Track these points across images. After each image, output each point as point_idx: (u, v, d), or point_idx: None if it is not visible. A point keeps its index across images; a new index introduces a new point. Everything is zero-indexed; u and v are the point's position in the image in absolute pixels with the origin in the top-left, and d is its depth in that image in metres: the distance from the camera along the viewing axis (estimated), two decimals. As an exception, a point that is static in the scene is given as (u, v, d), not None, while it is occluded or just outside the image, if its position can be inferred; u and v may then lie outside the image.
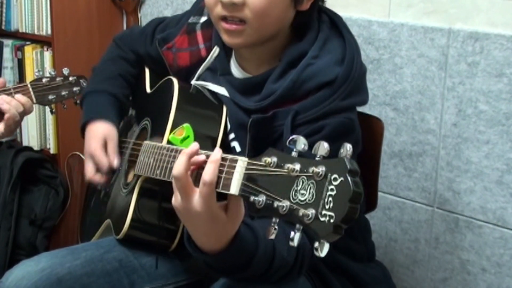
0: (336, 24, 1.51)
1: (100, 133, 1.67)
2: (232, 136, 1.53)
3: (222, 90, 1.54)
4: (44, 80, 1.93)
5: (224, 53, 1.56)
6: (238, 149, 1.50)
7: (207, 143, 1.49)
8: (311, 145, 1.37)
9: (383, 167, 2.11)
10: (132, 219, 1.52)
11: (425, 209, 2.10)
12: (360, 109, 1.53)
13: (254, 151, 1.43)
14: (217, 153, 1.14)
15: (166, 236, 1.55)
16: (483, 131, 1.93)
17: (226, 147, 1.51)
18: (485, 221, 1.97)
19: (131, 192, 1.54)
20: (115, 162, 1.65)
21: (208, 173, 1.12)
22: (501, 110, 1.89)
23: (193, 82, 1.59)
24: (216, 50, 1.56)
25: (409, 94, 2.07)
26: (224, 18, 1.41)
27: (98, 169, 1.66)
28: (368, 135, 1.61)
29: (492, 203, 1.95)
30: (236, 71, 1.56)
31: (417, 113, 2.06)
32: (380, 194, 2.02)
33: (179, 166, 1.14)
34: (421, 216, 2.12)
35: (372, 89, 2.12)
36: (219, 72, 1.55)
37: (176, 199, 1.17)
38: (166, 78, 1.63)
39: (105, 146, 1.66)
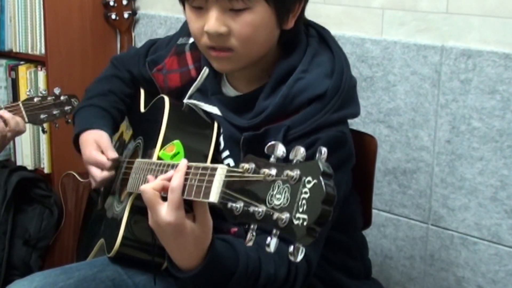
0: (324, 38, 1.51)
1: (91, 139, 1.67)
2: (226, 153, 1.53)
3: (214, 110, 1.54)
4: (35, 99, 1.93)
5: (213, 73, 1.56)
6: (232, 165, 1.50)
7: (198, 159, 1.49)
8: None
9: (377, 185, 2.11)
10: (124, 237, 1.51)
11: (419, 226, 2.10)
12: (353, 126, 1.54)
13: None
14: (183, 162, 1.21)
15: (158, 253, 1.54)
16: (476, 147, 1.94)
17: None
18: (480, 237, 1.97)
19: (123, 209, 1.54)
20: (112, 154, 1.63)
21: (175, 181, 1.18)
22: (494, 126, 1.89)
23: (185, 100, 1.59)
24: (205, 71, 1.57)
25: (403, 111, 2.07)
26: (211, 47, 1.42)
27: (102, 169, 1.64)
28: (362, 153, 1.61)
29: (486, 219, 1.95)
30: (227, 89, 1.56)
31: (411, 130, 2.07)
32: (374, 211, 2.02)
33: (147, 184, 1.24)
34: (416, 233, 2.11)
35: (365, 107, 2.12)
36: (210, 92, 1.56)
37: (149, 218, 1.24)
38: (158, 96, 1.64)
39: (99, 148, 1.65)
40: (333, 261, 1.58)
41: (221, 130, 1.54)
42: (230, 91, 1.55)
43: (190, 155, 1.47)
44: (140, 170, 1.46)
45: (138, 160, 1.52)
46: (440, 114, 2.00)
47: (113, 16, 2.78)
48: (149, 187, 1.23)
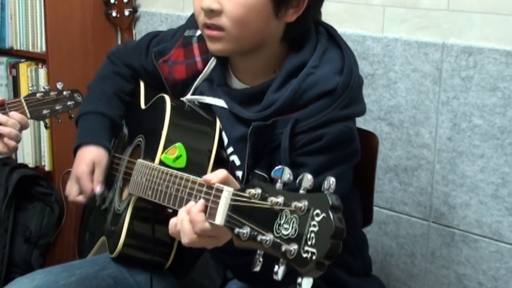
0: (333, 36, 1.52)
1: (90, 158, 1.68)
2: (230, 150, 1.52)
3: (220, 102, 1.54)
4: (38, 95, 1.92)
5: (220, 65, 1.56)
6: (237, 162, 1.50)
7: (202, 160, 1.49)
8: (309, 153, 1.39)
9: (378, 182, 2.11)
10: (126, 238, 1.52)
11: (421, 224, 2.10)
12: (356, 126, 1.54)
13: (253, 160, 1.44)
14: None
15: (160, 254, 1.54)
16: (477, 145, 1.94)
17: (225, 162, 1.51)
18: (481, 235, 1.97)
19: (125, 210, 1.54)
20: (98, 189, 1.67)
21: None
22: (496, 124, 1.89)
23: (185, 98, 1.59)
24: (213, 61, 1.57)
25: (404, 109, 2.07)
26: (207, 26, 1.44)
27: (81, 192, 1.69)
28: (363, 150, 1.61)
29: (487, 217, 1.95)
30: (232, 82, 1.56)
31: (412, 128, 2.07)
32: (375, 209, 2.02)
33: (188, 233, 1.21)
34: (417, 231, 2.11)
35: (366, 104, 2.11)
36: (216, 83, 1.56)
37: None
38: (159, 95, 1.63)
39: (93, 171, 1.68)
40: (333, 258, 1.58)
41: (225, 126, 1.53)
42: (236, 84, 1.55)
43: (193, 157, 1.47)
44: (142, 173, 1.46)
45: (140, 161, 1.52)
46: (441, 112, 2.00)
47: (114, 14, 2.78)
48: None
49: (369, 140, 1.71)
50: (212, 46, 1.48)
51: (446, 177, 2.02)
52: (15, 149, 1.79)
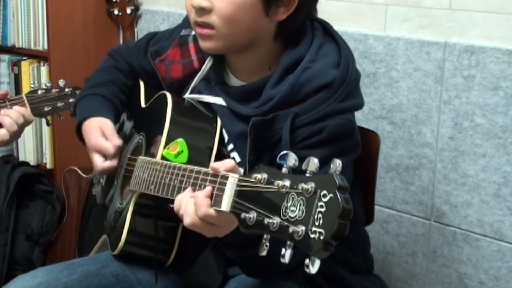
0: (328, 31, 1.54)
1: (95, 126, 1.66)
2: (230, 146, 1.54)
3: (218, 100, 1.55)
4: (39, 92, 1.93)
5: (217, 63, 1.58)
6: (238, 159, 1.51)
7: (203, 156, 1.49)
8: (310, 147, 1.39)
9: (380, 181, 2.11)
10: (128, 235, 1.52)
11: (422, 223, 2.10)
12: (356, 122, 1.54)
13: (254, 156, 1.44)
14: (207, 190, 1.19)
15: (162, 251, 1.55)
16: (479, 144, 1.94)
17: (225, 159, 1.51)
18: (483, 234, 1.97)
19: (127, 207, 1.54)
20: (117, 141, 1.62)
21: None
22: (498, 123, 1.89)
23: (186, 96, 1.60)
24: (210, 60, 1.58)
25: (406, 108, 2.07)
26: (198, 24, 1.46)
27: (105, 157, 1.63)
28: (365, 149, 1.61)
29: (489, 216, 1.95)
30: (230, 80, 1.57)
31: (414, 127, 2.07)
32: (377, 207, 2.01)
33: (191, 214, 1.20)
34: (418, 230, 2.11)
35: (368, 103, 2.12)
36: (213, 82, 1.56)
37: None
38: (160, 93, 1.64)
39: (103, 134, 1.64)
40: (334, 256, 1.57)
41: (225, 123, 1.54)
42: (233, 81, 1.56)
43: (194, 152, 1.48)
44: (144, 168, 1.46)
45: (141, 158, 1.52)
46: (443, 111, 2.00)
47: (116, 12, 2.78)
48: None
49: (370, 139, 1.71)
50: (203, 44, 1.49)
51: (447, 176, 2.02)
52: (10, 142, 1.79)
